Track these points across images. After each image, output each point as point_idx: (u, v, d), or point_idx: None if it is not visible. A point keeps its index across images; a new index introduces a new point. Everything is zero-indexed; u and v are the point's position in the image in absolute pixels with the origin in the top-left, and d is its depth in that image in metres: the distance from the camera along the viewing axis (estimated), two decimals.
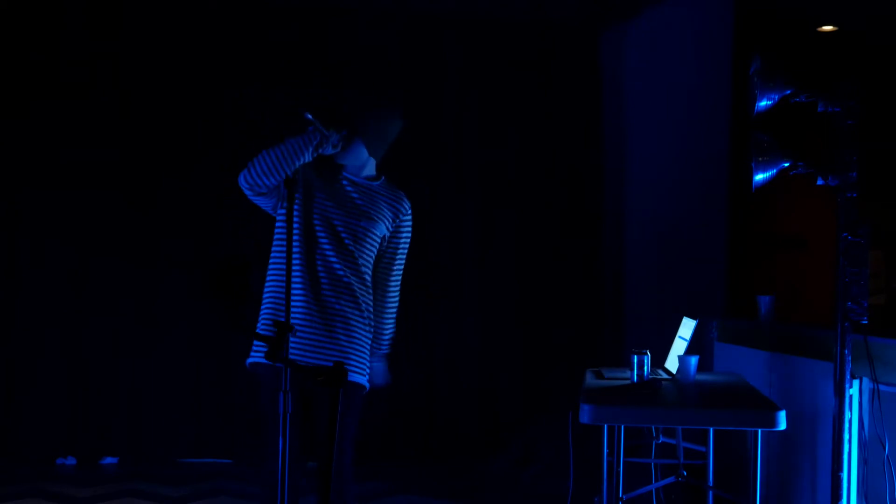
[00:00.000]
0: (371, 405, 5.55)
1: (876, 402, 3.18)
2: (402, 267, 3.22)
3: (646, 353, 3.41)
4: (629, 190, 5.95)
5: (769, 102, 3.06)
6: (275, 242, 3.07)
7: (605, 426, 3.27)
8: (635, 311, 5.82)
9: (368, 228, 3.02)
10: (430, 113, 5.84)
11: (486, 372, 5.85)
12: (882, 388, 3.15)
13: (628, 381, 3.42)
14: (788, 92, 3.05)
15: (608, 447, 3.35)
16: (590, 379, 3.58)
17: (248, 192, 2.98)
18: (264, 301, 3.05)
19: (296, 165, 2.89)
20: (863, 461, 3.30)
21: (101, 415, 5.54)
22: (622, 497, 3.15)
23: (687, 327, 3.69)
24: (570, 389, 4.02)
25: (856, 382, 3.29)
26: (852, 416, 3.22)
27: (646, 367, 3.40)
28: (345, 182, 3.05)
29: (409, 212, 3.17)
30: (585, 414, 2.95)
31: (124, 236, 5.58)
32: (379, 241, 3.08)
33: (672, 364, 3.68)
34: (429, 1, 5.66)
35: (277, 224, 3.06)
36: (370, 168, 3.11)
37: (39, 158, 5.53)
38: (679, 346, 3.69)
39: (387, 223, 3.09)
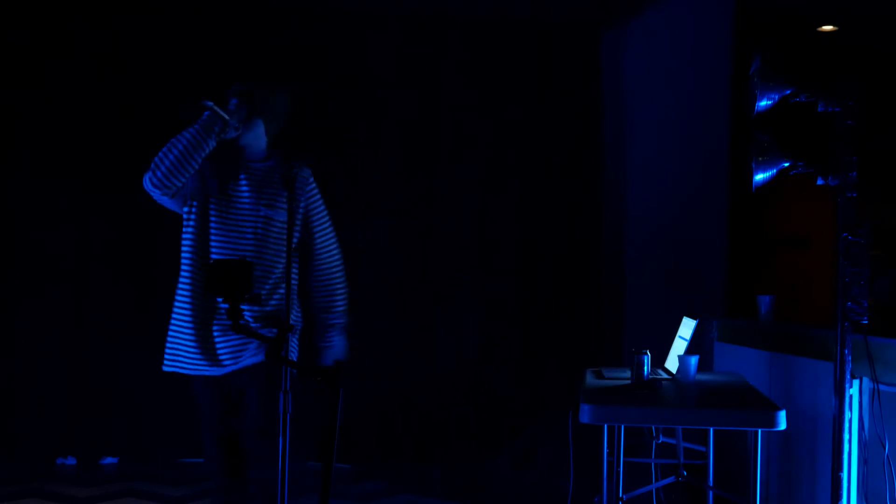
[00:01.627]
0: (372, 405, 5.60)
1: (876, 402, 3.18)
2: (328, 232, 3.15)
3: (646, 353, 3.41)
4: (629, 190, 5.95)
5: (769, 102, 3.06)
6: (184, 244, 3.02)
7: (605, 426, 3.27)
8: (635, 311, 5.82)
9: (272, 217, 2.98)
10: (429, 113, 5.84)
11: (486, 372, 5.85)
12: (882, 388, 3.15)
13: (628, 381, 3.42)
14: (788, 92, 3.05)
15: (608, 447, 3.35)
16: (590, 379, 3.58)
17: (155, 194, 2.95)
18: (171, 322, 3.07)
19: (203, 155, 2.87)
20: (863, 461, 3.30)
21: (101, 415, 5.54)
22: (622, 497, 3.15)
23: (687, 327, 3.69)
24: (570, 389, 4.02)
25: (856, 382, 3.29)
26: (852, 416, 3.22)
27: (646, 367, 3.40)
28: (248, 169, 3.02)
29: (312, 179, 3.12)
30: (585, 414, 2.95)
31: (124, 235, 5.58)
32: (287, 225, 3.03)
33: (672, 364, 3.68)
34: (429, 1, 5.66)
35: (185, 226, 3.02)
36: (264, 147, 3.08)
37: (39, 158, 5.54)
38: (679, 346, 3.69)
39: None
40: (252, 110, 2.98)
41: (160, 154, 2.88)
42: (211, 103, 2.89)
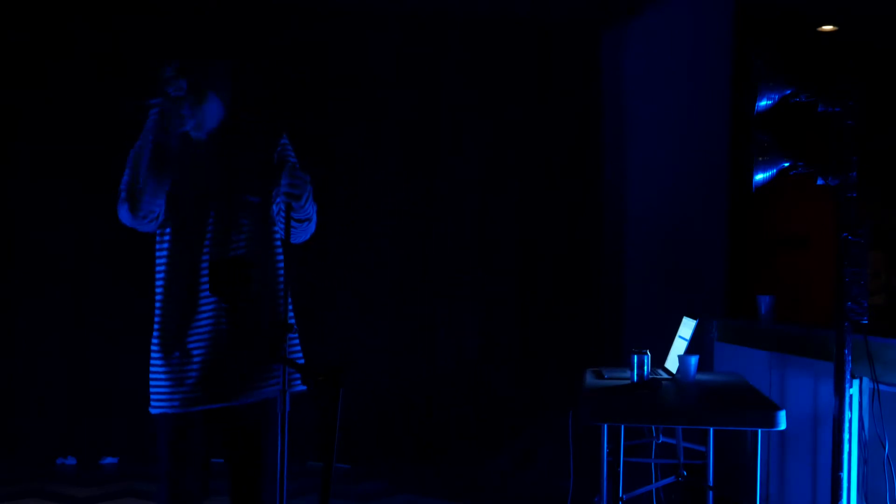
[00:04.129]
0: (372, 405, 5.60)
1: (876, 402, 3.18)
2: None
3: (646, 353, 3.41)
4: (629, 190, 5.95)
5: (769, 102, 3.06)
6: (158, 265, 2.75)
7: (605, 426, 3.27)
8: (635, 311, 5.82)
9: (250, 201, 2.65)
10: (429, 113, 5.85)
11: (486, 372, 5.85)
12: (882, 388, 3.15)
13: (628, 381, 3.41)
14: (788, 92, 3.05)
15: (608, 447, 3.35)
16: (590, 379, 3.58)
17: (140, 226, 2.67)
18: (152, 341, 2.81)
19: (173, 157, 2.59)
20: (863, 461, 3.30)
21: (101, 415, 5.54)
22: (622, 497, 3.15)
23: (687, 327, 3.69)
24: (570, 389, 4.02)
25: (856, 382, 3.29)
26: (852, 416, 3.22)
27: (646, 367, 3.40)
28: (206, 150, 2.68)
29: (285, 137, 2.74)
30: (585, 414, 2.95)
31: (124, 235, 5.56)
32: (266, 198, 2.68)
33: (672, 364, 3.68)
34: (429, 1, 5.66)
35: (160, 242, 2.74)
36: (219, 118, 2.72)
37: (39, 158, 5.54)
38: (679, 346, 3.69)
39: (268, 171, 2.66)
40: (193, 84, 2.67)
41: (132, 184, 2.61)
42: (158, 100, 2.65)
